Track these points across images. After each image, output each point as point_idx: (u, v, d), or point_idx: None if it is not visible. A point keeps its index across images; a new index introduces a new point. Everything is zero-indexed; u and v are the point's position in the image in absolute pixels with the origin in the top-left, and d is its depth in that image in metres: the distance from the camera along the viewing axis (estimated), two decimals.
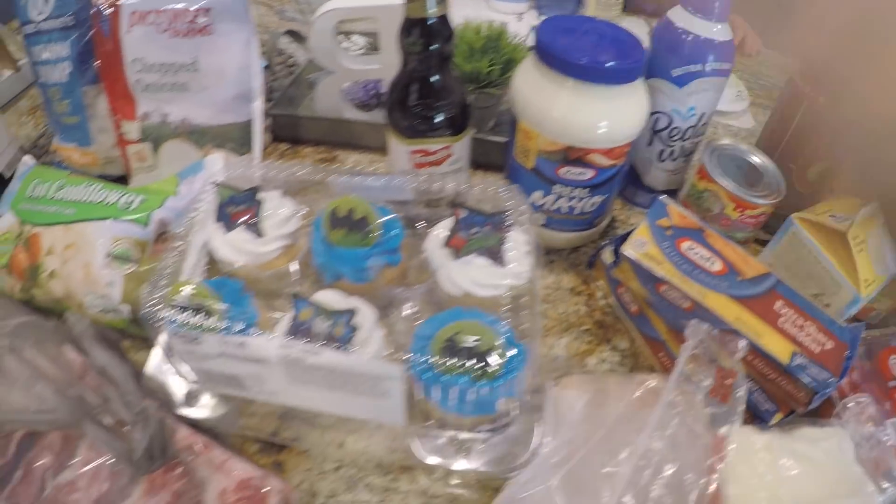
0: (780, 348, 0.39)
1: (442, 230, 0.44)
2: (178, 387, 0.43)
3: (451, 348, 0.36)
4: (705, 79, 0.45)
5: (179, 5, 0.49)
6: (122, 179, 0.56)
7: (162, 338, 0.40)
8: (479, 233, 0.42)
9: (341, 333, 0.36)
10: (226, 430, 0.41)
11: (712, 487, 0.36)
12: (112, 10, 0.48)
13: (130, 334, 0.48)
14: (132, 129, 0.52)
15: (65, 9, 0.51)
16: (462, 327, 0.36)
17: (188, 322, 0.37)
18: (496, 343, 0.35)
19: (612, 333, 0.48)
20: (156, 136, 0.52)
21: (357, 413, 0.40)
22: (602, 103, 0.42)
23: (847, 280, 0.40)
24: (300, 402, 0.39)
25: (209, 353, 0.37)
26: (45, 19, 0.51)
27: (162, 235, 0.49)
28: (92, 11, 0.49)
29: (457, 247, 0.42)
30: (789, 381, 0.39)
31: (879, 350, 0.42)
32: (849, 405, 0.39)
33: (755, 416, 0.42)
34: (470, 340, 0.36)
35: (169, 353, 0.41)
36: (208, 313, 0.38)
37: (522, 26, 0.78)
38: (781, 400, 0.40)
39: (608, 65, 0.40)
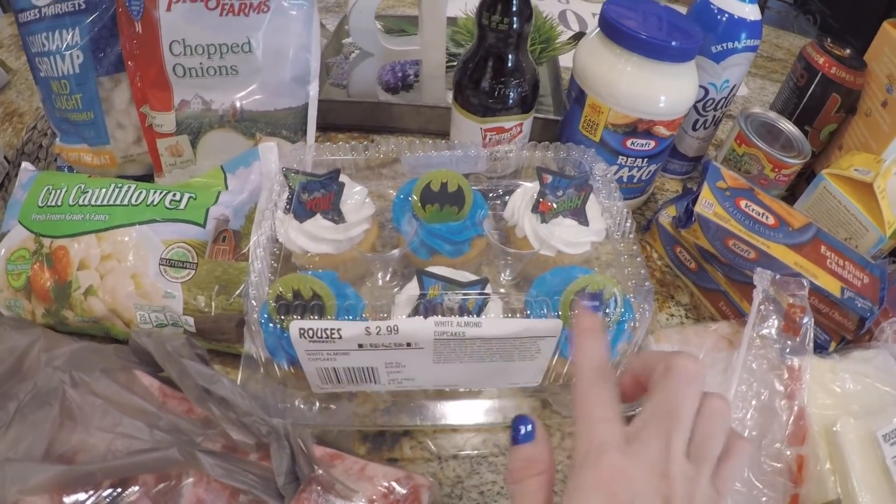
0: (832, 285, 0.45)
1: (523, 197, 0.45)
2: (278, 395, 0.40)
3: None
4: (738, 54, 0.50)
5: None
6: (142, 180, 0.48)
7: (259, 344, 0.38)
8: (564, 195, 0.43)
9: (475, 304, 0.36)
10: (346, 428, 0.39)
11: (797, 408, 0.42)
12: None
13: None
14: (166, 121, 0.47)
15: None
16: (588, 282, 0.37)
17: (312, 318, 0.35)
18: (616, 292, 0.37)
19: (672, 290, 0.52)
20: (196, 127, 0.47)
21: (498, 381, 0.40)
22: (665, 79, 0.46)
23: (874, 224, 0.47)
24: (440, 382, 0.38)
25: (344, 349, 0.35)
26: (49, 3, 0.45)
27: (222, 233, 0.46)
28: None
29: (545, 210, 0.43)
30: (841, 312, 0.45)
31: None
32: (886, 329, 0.47)
33: (815, 347, 0.47)
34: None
35: (270, 358, 0.38)
36: (323, 308, 0.36)
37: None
38: (833, 331, 0.46)
39: (674, 44, 0.44)
